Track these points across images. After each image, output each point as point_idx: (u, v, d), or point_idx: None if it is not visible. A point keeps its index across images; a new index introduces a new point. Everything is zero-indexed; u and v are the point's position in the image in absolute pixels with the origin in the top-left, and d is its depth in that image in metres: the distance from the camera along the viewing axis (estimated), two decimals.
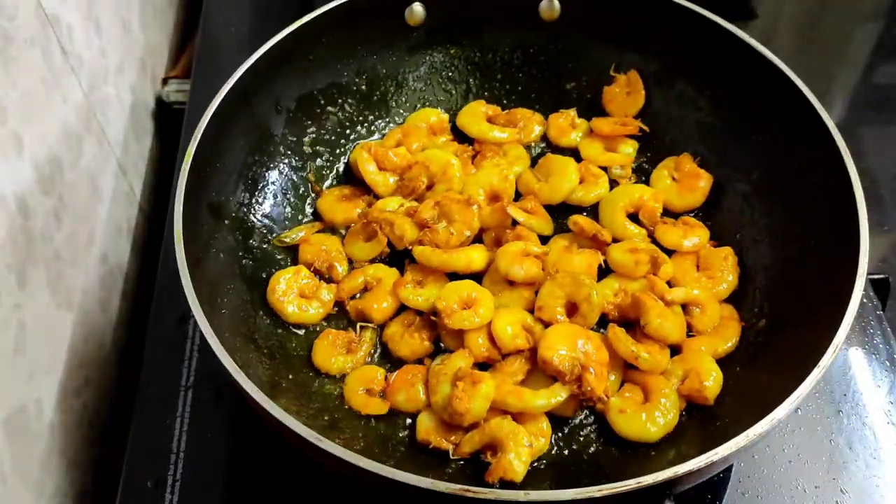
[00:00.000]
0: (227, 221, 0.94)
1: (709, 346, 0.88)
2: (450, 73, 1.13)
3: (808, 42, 1.50)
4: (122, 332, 1.10)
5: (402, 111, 1.12)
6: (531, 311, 0.90)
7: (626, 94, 1.08)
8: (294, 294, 0.92)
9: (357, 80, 1.09)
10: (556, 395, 0.82)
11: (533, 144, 1.09)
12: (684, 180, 1.01)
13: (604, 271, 0.94)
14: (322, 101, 1.07)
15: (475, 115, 1.10)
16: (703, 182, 1.00)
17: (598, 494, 0.64)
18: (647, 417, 0.82)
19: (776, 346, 0.85)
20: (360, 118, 1.10)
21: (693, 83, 1.03)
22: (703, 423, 0.83)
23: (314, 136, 1.07)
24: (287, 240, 0.98)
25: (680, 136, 1.05)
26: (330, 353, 0.90)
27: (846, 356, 0.96)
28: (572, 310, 0.89)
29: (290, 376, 0.88)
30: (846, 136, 0.85)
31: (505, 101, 1.13)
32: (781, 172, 0.94)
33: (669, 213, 1.00)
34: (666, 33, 1.02)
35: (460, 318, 0.87)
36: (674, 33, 1.01)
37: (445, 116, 1.11)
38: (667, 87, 1.06)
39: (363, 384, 0.87)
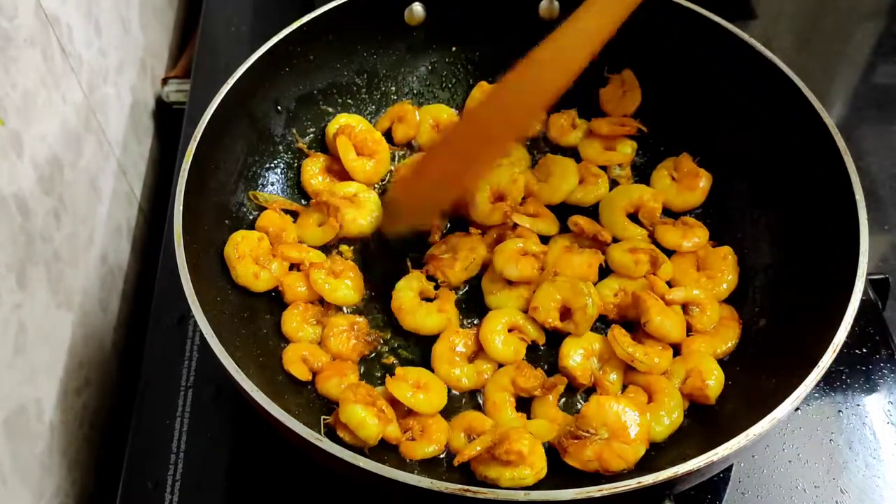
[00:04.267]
0: (227, 221, 0.94)
1: (709, 346, 0.88)
2: (450, 73, 1.13)
3: (808, 42, 1.50)
4: (122, 333, 1.10)
5: None
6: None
7: (622, 93, 1.08)
8: (248, 257, 0.91)
9: (357, 80, 1.09)
10: None
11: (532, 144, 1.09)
12: (684, 180, 1.01)
13: (604, 271, 0.94)
14: (322, 101, 1.07)
15: None
16: (703, 182, 1.00)
17: (597, 494, 0.64)
18: (651, 418, 0.82)
19: (776, 346, 0.85)
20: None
21: (693, 83, 1.03)
22: (703, 423, 0.83)
23: (314, 136, 1.07)
24: (260, 198, 0.98)
25: (680, 136, 1.05)
26: (299, 322, 0.90)
27: (846, 356, 0.96)
28: (566, 314, 0.89)
29: None
30: (846, 136, 0.85)
31: None
32: (781, 172, 0.94)
33: (669, 213, 1.00)
34: (666, 33, 1.02)
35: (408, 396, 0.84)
36: (673, 33, 1.01)
37: (456, 118, 1.10)
38: (666, 86, 1.05)
39: (308, 351, 0.88)
